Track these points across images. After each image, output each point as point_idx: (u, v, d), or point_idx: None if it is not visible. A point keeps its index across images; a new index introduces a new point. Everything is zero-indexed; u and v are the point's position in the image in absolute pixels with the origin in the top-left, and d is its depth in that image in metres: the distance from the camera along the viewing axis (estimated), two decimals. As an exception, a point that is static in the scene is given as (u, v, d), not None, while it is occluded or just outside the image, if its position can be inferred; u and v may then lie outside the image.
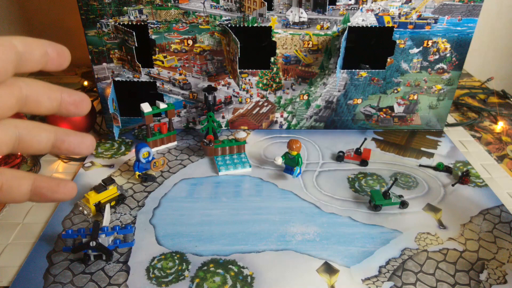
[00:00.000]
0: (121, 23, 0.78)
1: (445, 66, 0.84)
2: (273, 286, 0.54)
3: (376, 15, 0.78)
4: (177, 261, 0.58)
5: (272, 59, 0.82)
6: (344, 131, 0.91)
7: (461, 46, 0.81)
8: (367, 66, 0.84)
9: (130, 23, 0.78)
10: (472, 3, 0.77)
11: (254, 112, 0.88)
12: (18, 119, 0.28)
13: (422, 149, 0.85)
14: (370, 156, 0.80)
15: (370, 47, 0.84)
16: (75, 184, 0.30)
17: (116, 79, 0.84)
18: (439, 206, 0.69)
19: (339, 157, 0.80)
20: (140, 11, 0.77)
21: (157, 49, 0.81)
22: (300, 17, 0.78)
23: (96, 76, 0.83)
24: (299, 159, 0.73)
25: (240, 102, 0.87)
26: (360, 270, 0.57)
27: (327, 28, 0.79)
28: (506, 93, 1.12)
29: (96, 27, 0.79)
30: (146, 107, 0.79)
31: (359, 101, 0.87)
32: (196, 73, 0.84)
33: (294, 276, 0.56)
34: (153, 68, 0.83)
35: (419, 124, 0.91)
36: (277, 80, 0.84)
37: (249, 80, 0.85)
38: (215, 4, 0.77)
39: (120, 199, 0.68)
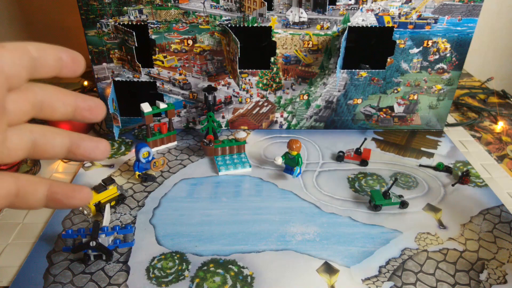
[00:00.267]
0: (121, 23, 0.78)
1: (445, 66, 0.84)
2: (273, 286, 0.54)
3: (376, 15, 0.78)
4: (177, 261, 0.58)
5: (272, 59, 0.82)
6: (344, 131, 0.91)
7: (461, 46, 0.81)
8: (367, 66, 0.84)
9: (130, 23, 0.78)
10: (472, 3, 0.77)
11: (254, 112, 0.88)
12: (33, 124, 0.28)
13: (422, 149, 0.85)
14: (370, 156, 0.80)
15: (370, 47, 0.84)
16: (90, 190, 0.30)
17: (116, 79, 0.84)
18: (439, 206, 0.69)
19: (339, 157, 0.80)
20: (140, 11, 0.77)
21: (157, 49, 0.81)
22: (300, 17, 0.78)
23: (96, 76, 0.83)
24: (299, 159, 0.73)
25: (240, 102, 0.87)
26: (360, 270, 0.57)
27: (327, 28, 0.79)
28: (506, 93, 1.12)
29: (96, 27, 0.79)
30: (146, 107, 0.79)
31: (359, 101, 0.87)
32: (196, 73, 0.84)
33: (294, 276, 0.56)
34: (153, 68, 0.83)
35: (419, 124, 0.91)
36: (277, 80, 0.84)
37: (249, 80, 0.85)
38: (215, 4, 0.77)
39: (120, 199, 0.68)
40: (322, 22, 0.79)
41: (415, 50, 0.82)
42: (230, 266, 0.57)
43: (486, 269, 0.58)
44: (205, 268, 0.57)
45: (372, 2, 0.77)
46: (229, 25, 0.78)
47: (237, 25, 0.78)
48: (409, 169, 0.79)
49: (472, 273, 0.57)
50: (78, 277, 0.55)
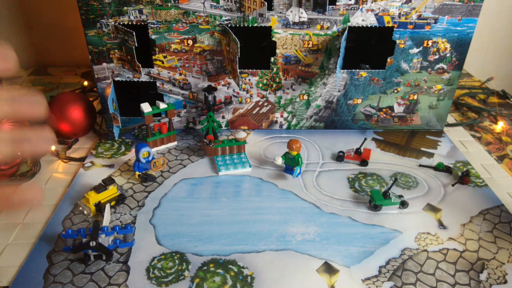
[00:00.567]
0: (121, 23, 0.78)
1: (445, 66, 0.84)
2: (273, 286, 0.54)
3: (376, 15, 0.78)
4: (177, 261, 0.58)
5: (272, 59, 0.82)
6: (344, 131, 0.91)
7: (461, 46, 0.81)
8: (367, 66, 0.84)
9: (130, 23, 0.78)
10: (472, 3, 0.77)
11: (254, 112, 0.88)
12: None
13: (422, 149, 0.85)
14: (370, 156, 0.80)
15: (370, 47, 0.84)
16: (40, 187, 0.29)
17: (116, 79, 0.84)
18: (439, 206, 0.69)
19: (339, 157, 0.80)
20: (140, 11, 0.77)
21: (157, 49, 0.81)
22: (300, 17, 0.78)
23: (96, 76, 0.83)
24: (299, 159, 0.73)
25: (240, 102, 0.87)
26: (360, 270, 0.57)
27: (327, 28, 0.79)
28: (506, 93, 1.12)
29: (96, 27, 0.79)
30: (146, 107, 0.79)
31: (359, 101, 0.87)
32: (196, 73, 0.84)
33: (294, 276, 0.56)
34: (153, 68, 0.83)
35: (419, 124, 0.91)
36: (277, 80, 0.84)
37: (249, 80, 0.85)
38: (215, 4, 0.77)
39: (120, 199, 0.68)
40: (322, 22, 0.79)
41: (415, 50, 0.82)
42: (230, 266, 0.57)
43: (486, 269, 0.58)
44: (205, 268, 0.57)
45: (372, 2, 0.77)
46: (229, 25, 0.78)
47: (237, 25, 0.78)
48: (409, 169, 0.79)
49: (472, 273, 0.57)
50: (78, 277, 0.55)
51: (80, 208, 0.67)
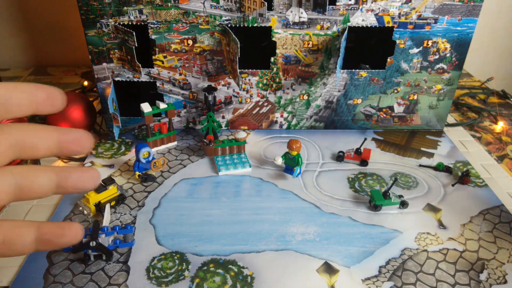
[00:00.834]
0: (121, 23, 0.78)
1: (445, 66, 0.84)
2: (273, 286, 0.54)
3: (376, 15, 0.78)
4: (177, 261, 0.58)
5: (272, 59, 0.82)
6: (344, 131, 0.91)
7: (461, 46, 0.81)
8: (367, 66, 0.84)
9: (130, 23, 0.78)
10: (472, 3, 0.77)
11: (254, 112, 0.89)
12: (15, 165, 0.27)
13: (422, 149, 0.85)
14: (370, 156, 0.80)
15: (370, 47, 0.84)
16: (80, 225, 0.29)
17: (116, 79, 0.84)
18: (439, 206, 0.69)
19: (339, 157, 0.80)
20: (140, 11, 0.77)
21: (157, 49, 0.81)
22: (300, 17, 0.78)
23: (96, 76, 0.83)
24: (299, 159, 0.73)
25: (240, 102, 0.87)
26: (360, 270, 0.57)
27: (327, 28, 0.79)
28: (506, 93, 1.12)
29: (96, 27, 0.79)
30: (146, 107, 0.79)
31: (359, 101, 0.87)
32: (196, 73, 0.84)
33: (294, 276, 0.56)
34: (153, 68, 0.83)
35: (419, 124, 0.91)
36: (277, 80, 0.84)
37: (249, 80, 0.85)
38: (215, 4, 0.77)
39: (120, 199, 0.68)
40: (322, 22, 0.79)
41: (415, 50, 0.82)
42: (230, 266, 0.57)
43: (486, 269, 0.58)
44: (205, 268, 0.57)
45: (372, 2, 0.77)
46: (229, 25, 0.78)
47: (237, 25, 0.78)
48: (409, 169, 0.79)
49: (472, 273, 0.57)
50: (78, 277, 0.55)
51: (80, 208, 0.67)
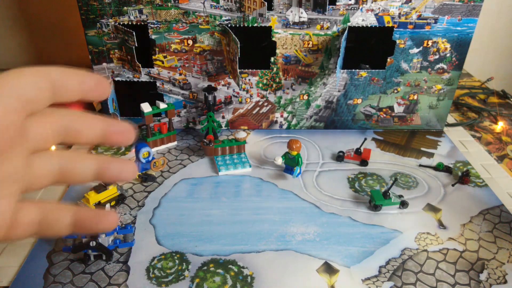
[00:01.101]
0: (121, 23, 0.78)
1: (445, 66, 0.84)
2: (273, 286, 0.54)
3: (376, 15, 0.78)
4: (177, 261, 0.58)
5: (272, 59, 0.82)
6: (344, 131, 0.91)
7: (461, 46, 0.81)
8: (367, 66, 0.84)
9: (130, 23, 0.78)
10: (472, 3, 0.77)
11: (254, 112, 0.88)
12: (59, 150, 0.27)
13: (422, 149, 0.85)
14: (370, 156, 0.80)
15: (370, 47, 0.84)
16: (116, 214, 0.29)
17: (116, 79, 0.84)
18: (439, 206, 0.69)
19: (339, 157, 0.80)
20: (140, 11, 0.77)
21: (157, 49, 0.81)
22: (300, 17, 0.78)
23: (96, 76, 0.83)
24: (299, 159, 0.73)
25: (240, 102, 0.87)
26: (360, 270, 0.57)
27: (327, 28, 0.79)
28: (506, 93, 1.12)
29: (96, 27, 0.79)
30: (146, 107, 0.79)
31: (359, 101, 0.87)
32: (196, 73, 0.84)
33: (294, 276, 0.56)
34: (153, 68, 0.83)
35: (419, 124, 0.91)
36: (277, 80, 0.84)
37: (249, 80, 0.85)
38: (215, 4, 0.77)
39: (120, 199, 0.68)
40: (322, 22, 0.79)
41: (415, 50, 0.82)
42: (230, 266, 0.57)
43: (486, 269, 0.58)
44: (205, 268, 0.57)
45: (372, 2, 0.77)
46: (229, 25, 0.78)
47: (237, 25, 0.78)
48: (409, 169, 0.79)
49: (472, 273, 0.57)
50: (78, 277, 0.55)
51: (80, 208, 0.67)
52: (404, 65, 0.83)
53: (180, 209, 0.67)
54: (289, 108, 0.88)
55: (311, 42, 0.80)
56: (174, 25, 0.79)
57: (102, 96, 0.27)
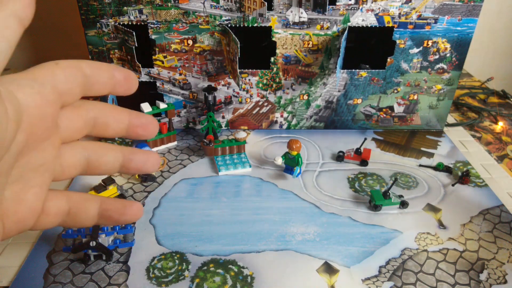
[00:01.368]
0: (121, 23, 0.78)
1: (445, 66, 0.84)
2: (273, 286, 0.54)
3: (376, 15, 0.78)
4: (177, 261, 0.58)
5: (272, 59, 0.82)
6: (344, 131, 0.91)
7: (461, 46, 0.81)
8: (367, 66, 0.84)
9: (130, 23, 0.78)
10: (472, 3, 0.77)
11: (254, 112, 0.89)
12: (86, 141, 0.27)
13: (422, 149, 0.85)
14: (370, 156, 0.80)
15: (370, 47, 0.84)
16: (141, 205, 0.29)
17: (116, 79, 0.83)
18: (439, 206, 0.69)
19: (339, 157, 0.80)
20: (140, 11, 0.77)
21: (157, 49, 0.81)
22: (300, 17, 0.78)
23: (96, 76, 0.83)
24: (299, 159, 0.73)
25: (240, 102, 0.87)
26: (360, 270, 0.57)
27: (327, 28, 0.79)
28: (506, 93, 1.12)
29: (96, 27, 0.79)
30: (146, 107, 0.79)
31: (359, 101, 0.87)
32: (196, 73, 0.84)
33: (294, 276, 0.56)
34: (153, 68, 0.83)
35: (419, 124, 0.91)
36: (277, 80, 0.85)
37: (249, 80, 0.85)
38: (215, 4, 0.77)
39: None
40: (322, 22, 0.79)
41: (415, 50, 0.82)
42: (230, 266, 0.57)
43: (486, 269, 0.58)
44: (205, 268, 0.57)
45: (372, 2, 0.77)
46: (229, 25, 0.78)
47: (237, 25, 0.78)
48: (409, 169, 0.79)
49: (472, 273, 0.57)
50: (78, 277, 0.55)
51: (80, 208, 0.67)
52: (404, 65, 0.83)
53: (180, 209, 0.67)
54: (289, 108, 0.88)
55: (311, 42, 0.80)
56: (174, 25, 0.79)
57: (130, 90, 0.28)
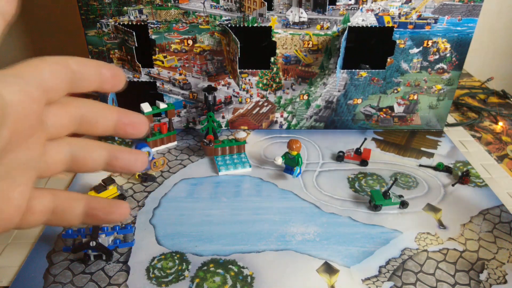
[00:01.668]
0: (121, 23, 0.78)
1: (445, 66, 0.84)
2: (273, 286, 0.54)
3: (376, 15, 0.78)
4: (177, 261, 0.58)
5: (272, 59, 0.82)
6: (344, 131, 0.91)
7: (461, 46, 0.81)
8: (367, 66, 0.84)
9: (130, 23, 0.78)
10: (472, 3, 0.77)
11: (254, 112, 0.89)
12: (72, 137, 0.27)
13: (422, 149, 0.85)
14: (370, 156, 0.80)
15: (370, 47, 0.84)
16: (128, 205, 0.29)
17: (116, 79, 0.83)
18: (439, 206, 0.69)
19: (339, 157, 0.80)
20: (140, 11, 0.77)
21: (157, 49, 0.81)
22: (300, 17, 0.78)
23: (96, 76, 0.83)
24: (299, 159, 0.73)
25: (240, 102, 0.87)
26: (360, 270, 0.57)
27: (327, 28, 0.79)
28: (506, 93, 1.12)
29: (96, 27, 0.79)
30: (146, 107, 0.79)
31: (359, 101, 0.87)
32: (196, 73, 0.84)
33: (294, 276, 0.56)
34: (153, 68, 0.83)
35: (419, 124, 0.91)
36: (277, 80, 0.84)
37: (249, 80, 0.85)
38: (215, 4, 0.77)
39: (120, 199, 0.68)
40: (322, 22, 0.79)
41: (415, 50, 0.82)
42: (230, 266, 0.57)
43: (486, 269, 0.58)
44: (205, 268, 0.57)
45: (372, 2, 0.77)
46: (229, 25, 0.78)
47: (237, 25, 0.78)
48: (409, 169, 0.79)
49: (472, 273, 0.57)
50: (78, 277, 0.55)
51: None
52: (404, 65, 0.83)
53: (180, 209, 0.67)
54: (289, 108, 0.88)
55: (311, 42, 0.80)
56: (174, 25, 0.79)
57: (117, 87, 0.28)
